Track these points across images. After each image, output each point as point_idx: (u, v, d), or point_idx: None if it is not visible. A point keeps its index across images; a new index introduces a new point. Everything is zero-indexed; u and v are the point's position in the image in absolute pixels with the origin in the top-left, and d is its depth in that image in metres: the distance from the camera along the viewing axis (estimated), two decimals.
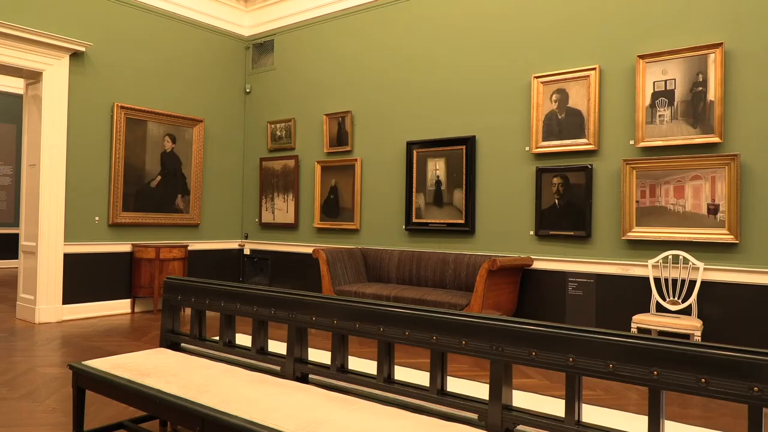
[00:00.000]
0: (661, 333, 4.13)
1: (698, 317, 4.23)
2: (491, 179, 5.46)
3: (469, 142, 5.56)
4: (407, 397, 2.11)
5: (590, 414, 3.01)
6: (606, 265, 4.77)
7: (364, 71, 6.51)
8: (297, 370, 2.43)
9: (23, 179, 5.92)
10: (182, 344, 2.95)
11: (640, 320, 4.15)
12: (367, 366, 2.47)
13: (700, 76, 4.34)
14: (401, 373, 2.25)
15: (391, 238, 6.20)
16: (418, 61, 6.05)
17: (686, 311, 4.28)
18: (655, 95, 4.54)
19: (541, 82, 5.13)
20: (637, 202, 4.59)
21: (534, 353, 1.81)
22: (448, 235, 5.75)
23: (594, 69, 4.85)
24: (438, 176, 5.81)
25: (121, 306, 6.35)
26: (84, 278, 6.03)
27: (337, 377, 2.31)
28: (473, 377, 3.92)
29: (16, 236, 9.82)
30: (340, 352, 2.33)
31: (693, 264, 4.27)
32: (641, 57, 4.58)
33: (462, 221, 5.61)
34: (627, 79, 4.72)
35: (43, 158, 5.68)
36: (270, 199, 7.37)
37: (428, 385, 2.07)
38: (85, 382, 2.52)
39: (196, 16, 7.09)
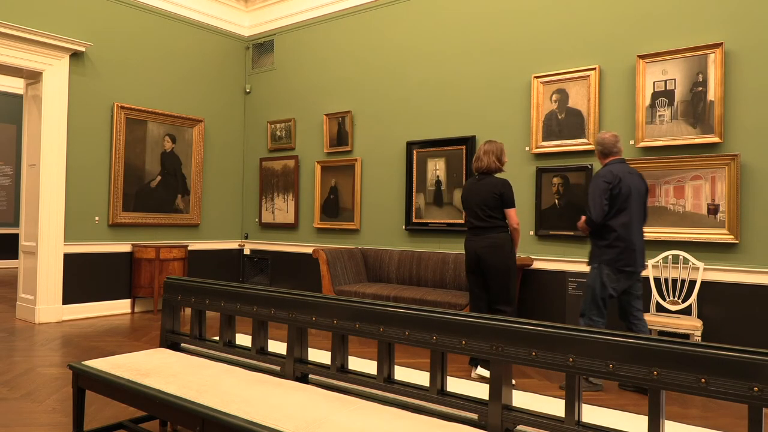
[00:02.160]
0: (661, 333, 4.13)
1: (698, 317, 4.23)
2: None
3: (469, 142, 5.56)
4: (407, 397, 2.11)
5: (590, 414, 3.01)
6: None
7: (364, 71, 6.51)
8: (297, 370, 2.43)
9: (23, 179, 5.92)
10: (182, 344, 2.95)
11: None
12: (367, 366, 2.47)
13: (700, 76, 4.34)
14: (401, 373, 2.25)
15: (391, 238, 6.20)
16: (417, 61, 6.04)
17: (686, 311, 4.28)
18: (655, 95, 4.54)
19: (541, 82, 5.13)
20: None
21: (534, 353, 1.81)
22: (448, 235, 5.75)
23: (594, 69, 4.85)
24: (438, 176, 5.81)
25: (121, 306, 6.35)
26: (84, 278, 6.03)
27: (337, 377, 2.31)
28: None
29: (16, 236, 9.82)
30: (340, 352, 2.33)
31: (693, 264, 4.27)
32: (641, 57, 4.58)
33: (462, 221, 5.60)
34: (627, 79, 4.71)
35: (43, 158, 5.67)
36: (270, 199, 7.37)
37: (428, 385, 2.07)
38: (85, 382, 2.52)
39: (196, 16, 7.09)
